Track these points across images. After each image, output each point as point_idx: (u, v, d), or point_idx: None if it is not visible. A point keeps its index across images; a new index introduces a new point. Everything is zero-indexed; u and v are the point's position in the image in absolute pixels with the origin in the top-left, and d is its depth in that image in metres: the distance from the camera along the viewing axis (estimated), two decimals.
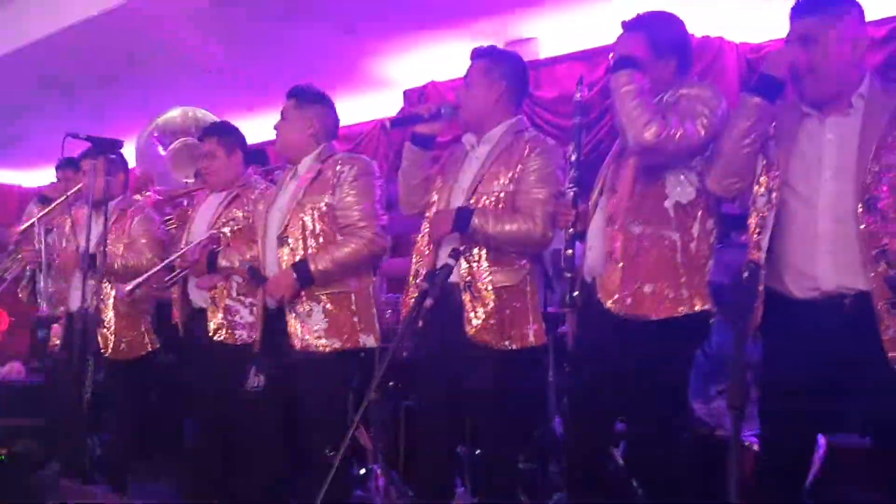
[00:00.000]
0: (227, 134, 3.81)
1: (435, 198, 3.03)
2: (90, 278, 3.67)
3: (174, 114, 5.20)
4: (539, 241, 2.88)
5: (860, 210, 2.22)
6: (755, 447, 3.31)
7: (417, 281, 2.92)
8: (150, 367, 4.26)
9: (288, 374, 3.19)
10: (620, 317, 2.58)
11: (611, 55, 2.71)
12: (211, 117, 5.19)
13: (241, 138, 3.86)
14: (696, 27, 5.04)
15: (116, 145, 3.39)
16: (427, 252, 2.96)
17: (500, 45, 6.04)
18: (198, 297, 3.76)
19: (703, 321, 2.65)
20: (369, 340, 3.19)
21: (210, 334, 3.60)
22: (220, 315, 3.61)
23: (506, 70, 3.00)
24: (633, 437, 2.91)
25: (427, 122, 2.99)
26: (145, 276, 3.82)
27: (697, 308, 2.57)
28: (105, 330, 4.03)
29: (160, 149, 5.05)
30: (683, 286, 2.56)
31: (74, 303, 4.04)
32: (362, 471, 3.96)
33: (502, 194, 2.87)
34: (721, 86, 4.89)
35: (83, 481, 3.34)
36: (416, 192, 3.10)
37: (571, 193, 2.74)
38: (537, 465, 3.70)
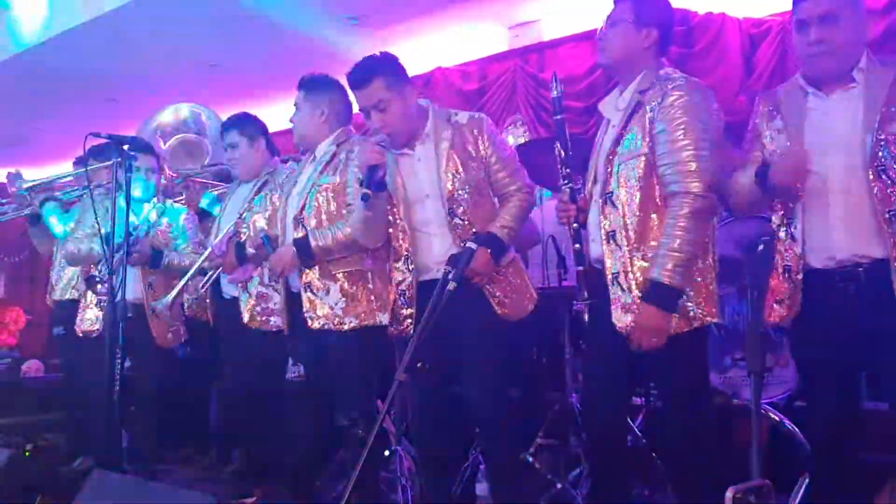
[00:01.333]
0: (246, 124, 3.85)
1: (401, 211, 3.00)
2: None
3: (165, 115, 5.24)
4: (534, 202, 3.06)
5: (870, 177, 2.28)
6: (771, 414, 3.40)
7: (444, 271, 2.64)
8: (176, 357, 4.35)
9: (315, 354, 3.30)
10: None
11: None
12: (204, 111, 5.25)
13: (262, 127, 3.90)
14: (699, 4, 5.09)
15: (139, 144, 3.42)
16: (410, 270, 2.98)
17: (504, 28, 6.22)
18: (230, 288, 3.84)
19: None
20: (384, 318, 3.24)
21: (245, 322, 3.69)
22: (253, 302, 3.70)
23: (400, 74, 2.96)
24: (655, 410, 2.93)
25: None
26: (180, 285, 3.79)
27: (708, 321, 2.50)
28: (158, 319, 4.03)
29: (161, 143, 5.13)
30: (693, 300, 2.46)
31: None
32: (386, 453, 4.02)
33: (474, 183, 2.92)
34: (724, 63, 4.99)
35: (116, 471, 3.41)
36: (383, 230, 3.08)
37: (568, 190, 2.73)
38: (557, 440, 3.75)
